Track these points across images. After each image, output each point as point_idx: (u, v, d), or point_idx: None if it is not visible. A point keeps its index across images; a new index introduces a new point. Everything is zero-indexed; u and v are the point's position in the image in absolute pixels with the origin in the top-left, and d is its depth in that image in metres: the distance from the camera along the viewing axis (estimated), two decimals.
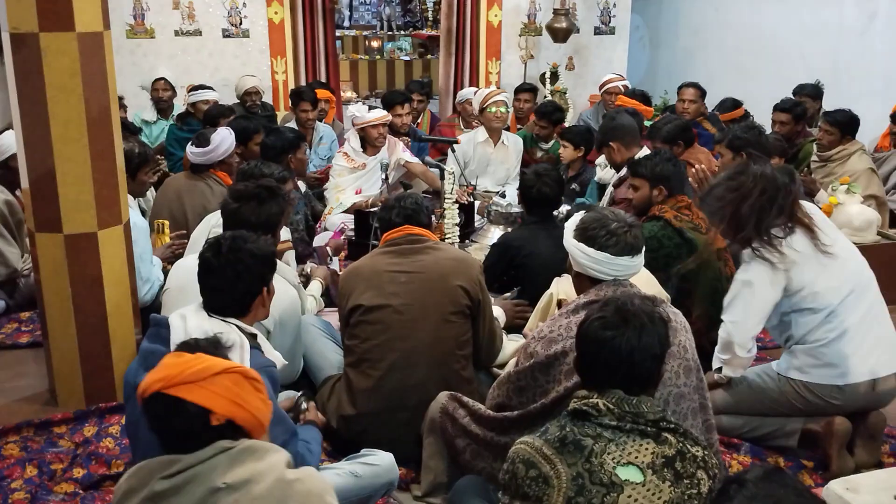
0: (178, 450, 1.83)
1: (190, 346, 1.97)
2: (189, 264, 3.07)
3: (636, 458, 1.91)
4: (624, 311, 2.05)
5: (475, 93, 6.55)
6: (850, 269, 3.11)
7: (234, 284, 2.51)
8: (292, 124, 6.15)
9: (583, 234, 2.61)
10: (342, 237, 4.87)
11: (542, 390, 2.48)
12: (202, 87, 6.65)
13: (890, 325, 3.16)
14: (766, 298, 3.07)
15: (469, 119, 6.91)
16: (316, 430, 2.81)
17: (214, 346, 1.99)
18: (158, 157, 5.99)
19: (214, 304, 2.53)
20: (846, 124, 5.55)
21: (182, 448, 1.83)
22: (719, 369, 3.22)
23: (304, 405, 2.95)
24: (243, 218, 3.15)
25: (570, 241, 2.66)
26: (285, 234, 4.01)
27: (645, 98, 6.65)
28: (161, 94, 6.85)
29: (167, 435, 1.85)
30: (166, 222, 4.30)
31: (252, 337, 2.52)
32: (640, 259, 2.63)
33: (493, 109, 5.99)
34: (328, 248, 4.64)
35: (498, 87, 7.99)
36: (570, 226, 2.70)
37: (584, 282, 2.66)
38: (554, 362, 2.46)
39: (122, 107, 6.55)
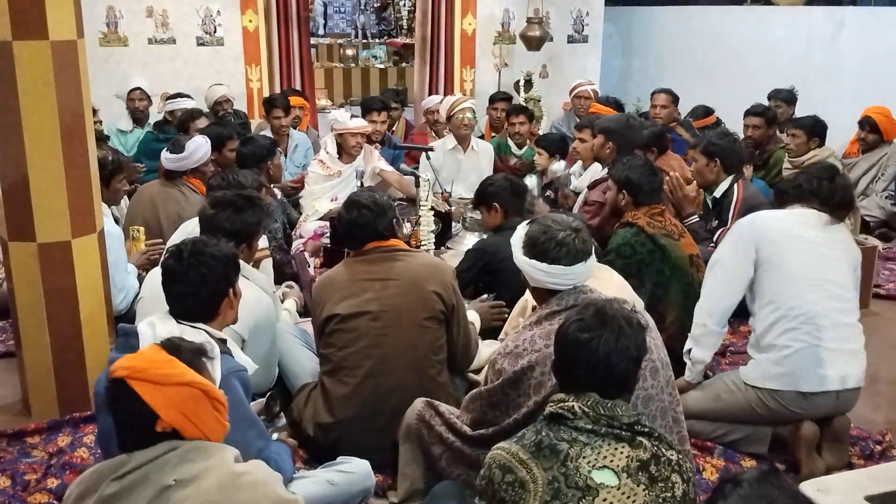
0: (128, 441, 1.87)
1: (173, 346, 1.99)
2: None
3: (611, 461, 1.93)
4: (602, 314, 2.07)
5: (441, 101, 6.60)
6: (827, 268, 3.14)
7: (199, 288, 2.52)
8: (267, 132, 6.14)
9: (532, 250, 2.58)
10: (320, 239, 4.87)
11: (514, 404, 2.49)
12: (179, 95, 6.61)
13: (860, 336, 3.18)
14: (739, 270, 3.16)
15: (434, 127, 6.94)
16: (286, 446, 2.79)
17: (195, 353, 2.01)
18: (138, 164, 5.94)
19: (181, 310, 2.54)
20: (811, 127, 5.64)
21: (131, 440, 1.87)
22: (689, 351, 3.26)
23: (275, 408, 2.94)
24: (219, 225, 3.15)
25: (520, 258, 2.63)
26: (263, 242, 4.01)
27: (618, 105, 6.70)
28: (137, 104, 6.77)
29: (117, 421, 1.90)
30: (142, 229, 4.27)
31: (222, 342, 2.52)
32: (593, 260, 2.63)
33: (460, 116, 6.03)
34: (306, 253, 4.63)
35: (472, 95, 8.04)
36: (516, 242, 2.66)
37: (542, 294, 2.65)
38: (522, 377, 2.46)
39: (94, 112, 6.49)
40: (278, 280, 4.16)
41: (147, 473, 1.81)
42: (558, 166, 5.62)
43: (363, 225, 3.15)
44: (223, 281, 2.57)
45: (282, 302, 3.89)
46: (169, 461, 1.83)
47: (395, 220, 3.22)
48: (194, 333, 2.46)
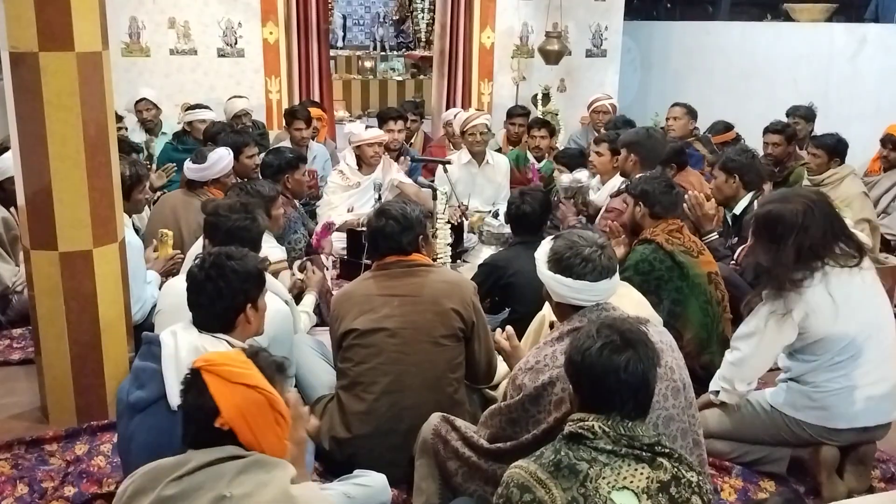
0: (190, 435, 1.89)
1: (252, 352, 2.02)
2: (180, 285, 3.08)
3: (631, 482, 1.91)
4: (623, 331, 2.03)
5: (455, 115, 6.61)
6: (867, 315, 3.03)
7: (214, 301, 2.54)
8: (286, 143, 6.17)
9: (557, 265, 2.56)
10: (330, 234, 4.89)
11: (534, 420, 2.46)
12: (199, 106, 6.65)
13: (894, 375, 3.08)
14: (777, 342, 3.05)
15: (453, 140, 6.95)
16: (310, 443, 2.81)
17: (273, 365, 2.01)
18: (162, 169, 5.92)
19: (200, 320, 2.56)
20: (832, 147, 5.59)
21: (191, 435, 1.89)
22: (717, 392, 3.20)
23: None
24: (244, 236, 3.21)
25: (545, 273, 2.60)
26: (281, 253, 4.03)
27: (631, 125, 6.67)
28: (145, 115, 6.81)
29: (184, 412, 1.93)
30: (170, 233, 4.28)
31: None
32: (617, 277, 2.61)
33: (474, 132, 6.03)
34: (322, 256, 4.64)
35: (490, 108, 8.06)
36: (541, 256, 2.64)
37: (565, 309, 2.62)
38: (543, 392, 2.43)
39: (120, 119, 6.53)
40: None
41: (205, 480, 1.81)
42: (582, 174, 5.52)
43: (387, 236, 3.13)
44: (240, 295, 2.58)
45: (300, 298, 3.90)
46: (228, 470, 1.82)
47: (421, 235, 3.20)
48: (215, 343, 2.47)
